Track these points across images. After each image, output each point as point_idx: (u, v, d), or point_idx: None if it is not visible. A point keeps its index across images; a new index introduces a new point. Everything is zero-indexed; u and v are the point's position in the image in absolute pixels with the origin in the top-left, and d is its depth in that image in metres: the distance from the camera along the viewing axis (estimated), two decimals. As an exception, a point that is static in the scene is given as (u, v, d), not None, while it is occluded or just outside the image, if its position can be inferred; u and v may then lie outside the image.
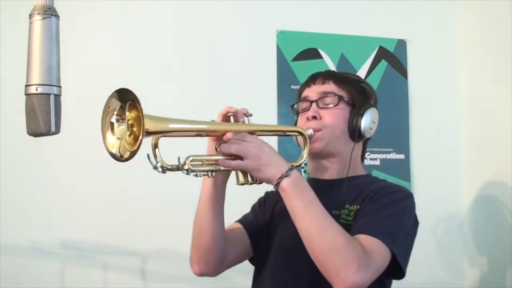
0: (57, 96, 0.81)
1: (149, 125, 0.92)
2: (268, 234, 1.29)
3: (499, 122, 2.14)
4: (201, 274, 1.25)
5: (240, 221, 1.36)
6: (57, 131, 0.81)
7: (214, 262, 1.24)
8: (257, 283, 1.30)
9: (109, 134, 0.96)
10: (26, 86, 0.81)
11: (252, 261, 1.36)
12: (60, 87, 0.82)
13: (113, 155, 0.95)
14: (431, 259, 2.27)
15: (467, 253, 2.29)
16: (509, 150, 2.03)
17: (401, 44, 2.38)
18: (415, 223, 1.21)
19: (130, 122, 0.94)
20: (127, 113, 0.94)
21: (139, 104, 0.91)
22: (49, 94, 0.80)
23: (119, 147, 0.95)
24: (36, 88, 0.80)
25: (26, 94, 0.81)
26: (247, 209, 1.40)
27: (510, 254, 2.01)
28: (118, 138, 0.95)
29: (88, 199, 1.94)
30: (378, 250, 1.04)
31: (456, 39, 2.42)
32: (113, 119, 0.95)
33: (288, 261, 1.21)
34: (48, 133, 0.80)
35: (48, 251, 1.90)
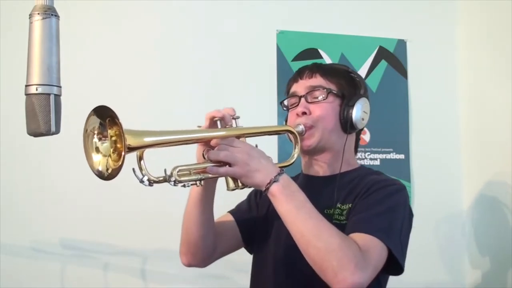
0: (57, 96, 0.81)
1: (130, 140, 0.90)
2: (263, 232, 1.28)
3: (499, 122, 2.14)
4: (189, 265, 1.27)
5: (232, 212, 1.35)
6: (57, 131, 0.81)
7: (202, 255, 1.25)
8: (257, 284, 1.30)
9: (94, 154, 0.94)
10: (26, 86, 0.80)
11: (246, 249, 1.36)
12: (60, 87, 0.82)
13: (99, 173, 0.94)
14: (431, 259, 2.27)
15: (468, 253, 2.29)
16: (510, 149, 2.03)
17: (401, 44, 2.37)
18: (410, 215, 1.19)
19: (113, 138, 0.92)
20: (108, 130, 0.92)
21: (118, 120, 0.89)
22: (49, 94, 0.80)
23: (106, 164, 0.94)
24: (36, 88, 0.79)
25: (26, 94, 0.80)
26: (238, 201, 1.40)
27: (510, 253, 2.01)
28: (104, 156, 0.94)
29: (88, 199, 1.94)
30: (374, 248, 1.02)
31: (456, 39, 2.42)
32: (95, 139, 0.94)
33: (285, 266, 1.20)
34: (48, 133, 0.80)
35: (48, 251, 1.90)
